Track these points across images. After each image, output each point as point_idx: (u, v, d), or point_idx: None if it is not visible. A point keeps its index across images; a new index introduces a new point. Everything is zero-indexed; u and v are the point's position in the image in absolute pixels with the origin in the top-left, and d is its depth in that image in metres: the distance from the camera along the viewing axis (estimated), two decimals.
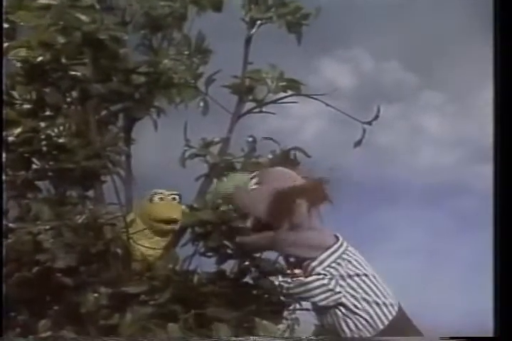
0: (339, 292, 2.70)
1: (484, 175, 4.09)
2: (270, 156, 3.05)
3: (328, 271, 2.69)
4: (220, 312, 2.83)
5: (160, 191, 2.96)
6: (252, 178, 2.75)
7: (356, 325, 2.70)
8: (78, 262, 2.76)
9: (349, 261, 2.72)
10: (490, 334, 2.47)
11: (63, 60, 2.83)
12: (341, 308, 2.70)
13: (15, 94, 2.86)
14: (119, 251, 2.84)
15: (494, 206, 2.46)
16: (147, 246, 2.96)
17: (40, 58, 2.81)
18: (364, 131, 3.07)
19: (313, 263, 2.72)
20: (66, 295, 2.78)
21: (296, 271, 2.73)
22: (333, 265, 2.69)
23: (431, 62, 3.89)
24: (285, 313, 3.01)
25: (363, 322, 2.70)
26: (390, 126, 3.51)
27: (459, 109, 4.02)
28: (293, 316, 3.06)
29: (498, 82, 2.45)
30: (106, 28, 2.88)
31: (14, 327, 2.80)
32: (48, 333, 2.73)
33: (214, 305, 2.84)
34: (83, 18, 2.81)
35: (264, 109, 3.12)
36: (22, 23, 2.79)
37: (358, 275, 2.72)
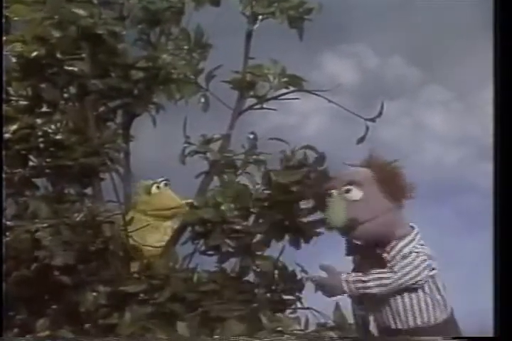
0: (434, 268, 2.70)
1: (487, 172, 4.05)
2: (280, 156, 3.01)
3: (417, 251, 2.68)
4: (221, 310, 2.80)
5: (150, 181, 2.95)
6: (342, 193, 2.73)
7: (427, 309, 2.68)
8: (76, 260, 2.72)
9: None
10: (490, 334, 2.44)
11: (59, 55, 2.79)
12: (425, 289, 2.70)
13: (10, 90, 2.82)
14: (117, 249, 2.80)
15: (494, 205, 2.43)
16: (147, 244, 2.92)
17: (35, 53, 2.77)
18: (367, 127, 3.02)
19: (393, 252, 2.70)
20: (64, 293, 2.74)
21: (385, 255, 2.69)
22: (418, 249, 2.68)
23: (434, 59, 3.85)
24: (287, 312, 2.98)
25: (430, 308, 2.70)
26: (393, 122, 3.43)
27: (462, 107, 3.98)
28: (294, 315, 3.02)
29: (498, 82, 2.41)
30: (104, 23, 2.83)
31: (12, 326, 2.76)
32: (46, 332, 2.68)
33: (215, 303, 2.81)
34: (80, 12, 2.76)
35: (265, 105, 3.08)
36: (16, 18, 2.75)
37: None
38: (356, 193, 2.72)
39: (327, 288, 2.69)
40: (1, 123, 2.79)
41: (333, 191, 2.72)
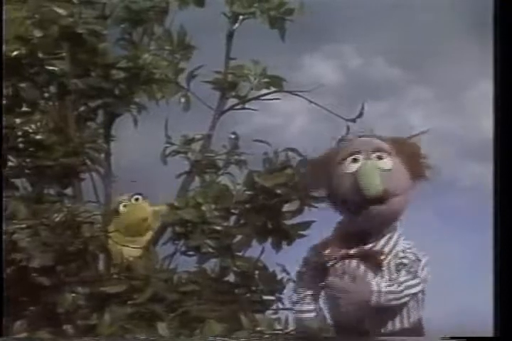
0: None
1: (471, 172, 4.06)
2: (263, 157, 3.00)
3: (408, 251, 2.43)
4: (201, 311, 2.79)
5: (122, 198, 2.96)
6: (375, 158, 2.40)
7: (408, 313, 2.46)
8: (55, 261, 2.71)
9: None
10: (490, 334, 2.44)
11: (40, 55, 2.78)
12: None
13: None
14: (97, 250, 2.79)
15: (494, 205, 2.42)
16: (127, 244, 2.92)
17: (16, 52, 2.76)
18: (348, 128, 3.02)
19: (387, 248, 2.42)
20: (43, 294, 2.73)
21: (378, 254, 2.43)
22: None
23: (418, 59, 3.85)
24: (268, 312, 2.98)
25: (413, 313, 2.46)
26: (375, 122, 3.42)
27: (446, 107, 3.99)
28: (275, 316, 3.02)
29: (498, 82, 2.41)
30: (84, 22, 2.82)
31: None
32: (24, 334, 2.67)
33: (195, 304, 2.81)
34: (60, 11, 2.75)
35: (246, 106, 3.08)
36: None
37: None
38: (388, 161, 2.42)
39: (350, 297, 2.33)
40: (0, 122, 2.77)
41: (359, 156, 2.42)
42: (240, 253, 2.96)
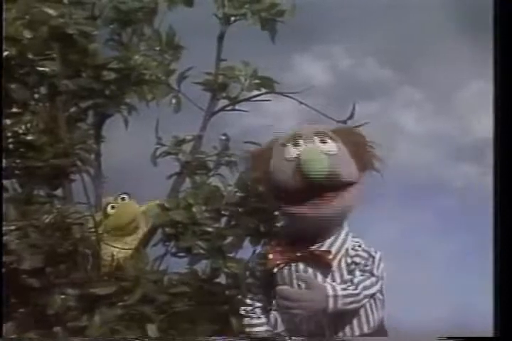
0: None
1: (462, 173, 4.07)
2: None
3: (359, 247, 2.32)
4: (192, 312, 2.79)
5: (109, 199, 2.96)
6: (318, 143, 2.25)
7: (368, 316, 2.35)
8: (45, 263, 2.70)
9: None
10: (490, 334, 2.43)
11: (30, 56, 2.77)
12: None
13: None
14: (87, 251, 2.78)
15: (494, 205, 2.41)
16: (117, 246, 2.92)
17: (5, 53, 2.75)
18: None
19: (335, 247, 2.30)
20: (32, 296, 2.72)
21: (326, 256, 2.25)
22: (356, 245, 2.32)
23: (409, 60, 3.86)
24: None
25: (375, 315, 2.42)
26: (367, 124, 3.42)
27: (437, 108, 3.99)
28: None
29: (498, 82, 2.41)
30: (75, 23, 2.81)
31: None
32: (13, 336, 2.66)
33: (185, 305, 2.80)
34: (50, 12, 2.74)
35: (237, 107, 3.07)
36: None
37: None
38: (332, 146, 2.29)
39: (305, 305, 2.25)
40: (0, 123, 2.75)
41: (300, 140, 2.27)
42: (231, 255, 2.96)
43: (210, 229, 2.91)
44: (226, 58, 3.06)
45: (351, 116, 3.06)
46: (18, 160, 2.82)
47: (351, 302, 2.29)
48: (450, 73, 3.85)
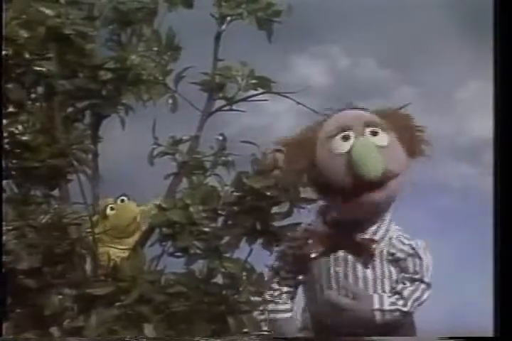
0: None
1: (460, 173, 4.06)
2: (251, 158, 2.99)
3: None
4: (189, 312, 2.79)
5: (108, 201, 2.96)
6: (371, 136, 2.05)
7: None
8: (42, 263, 2.70)
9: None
10: (490, 334, 2.42)
11: (27, 55, 2.76)
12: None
13: None
14: (84, 251, 2.78)
15: (494, 205, 2.40)
16: (114, 246, 2.92)
17: (2, 53, 2.75)
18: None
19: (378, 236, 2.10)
20: (29, 297, 2.72)
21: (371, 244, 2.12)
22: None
23: (406, 60, 3.86)
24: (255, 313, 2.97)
25: None
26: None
27: (435, 108, 3.99)
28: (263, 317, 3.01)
29: (498, 82, 2.41)
30: (72, 23, 2.81)
31: None
32: (10, 336, 2.66)
33: (182, 305, 2.80)
34: (47, 12, 2.74)
35: (234, 107, 3.07)
36: None
37: None
38: (384, 137, 2.11)
39: (351, 315, 2.07)
40: (0, 122, 2.75)
41: (350, 133, 2.10)
42: (228, 255, 2.95)
43: (207, 229, 2.91)
44: (223, 58, 3.06)
45: None
46: (14, 161, 2.82)
47: (399, 316, 2.19)
48: (449, 73, 3.86)
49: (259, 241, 2.97)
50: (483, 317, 2.47)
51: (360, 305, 2.25)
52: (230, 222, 2.98)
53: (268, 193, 2.89)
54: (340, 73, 3.83)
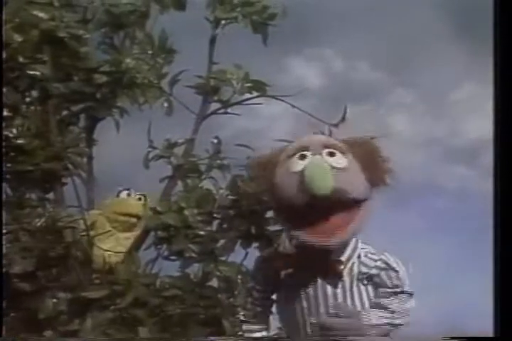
0: None
1: (454, 175, 4.07)
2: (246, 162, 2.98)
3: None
4: (184, 315, 2.79)
5: (128, 188, 2.95)
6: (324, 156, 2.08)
7: None
8: (36, 266, 2.69)
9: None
10: (490, 334, 2.42)
11: (21, 59, 2.76)
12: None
13: None
14: (79, 254, 2.78)
15: (495, 206, 2.39)
16: (109, 249, 2.91)
17: None
18: (330, 132, 3.01)
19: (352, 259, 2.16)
20: (24, 300, 2.71)
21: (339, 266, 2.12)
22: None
23: (401, 63, 3.86)
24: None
25: None
26: (358, 126, 3.42)
27: (429, 110, 4.00)
28: None
29: (498, 83, 2.40)
30: (66, 26, 2.81)
31: None
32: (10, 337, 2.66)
33: (177, 308, 2.80)
34: (41, 15, 2.73)
35: (229, 110, 3.07)
36: None
37: None
38: (341, 159, 2.12)
39: (349, 334, 2.12)
40: (0, 122, 2.75)
41: (307, 153, 2.11)
42: (224, 258, 2.96)
43: (202, 233, 2.91)
44: (218, 61, 3.06)
45: (343, 120, 3.06)
46: (9, 164, 2.82)
47: (391, 328, 2.18)
48: (443, 75, 3.86)
49: (255, 244, 2.98)
50: (483, 317, 2.47)
51: (353, 323, 2.18)
52: (225, 226, 2.99)
53: (262, 197, 2.90)
54: (336, 75, 3.83)
